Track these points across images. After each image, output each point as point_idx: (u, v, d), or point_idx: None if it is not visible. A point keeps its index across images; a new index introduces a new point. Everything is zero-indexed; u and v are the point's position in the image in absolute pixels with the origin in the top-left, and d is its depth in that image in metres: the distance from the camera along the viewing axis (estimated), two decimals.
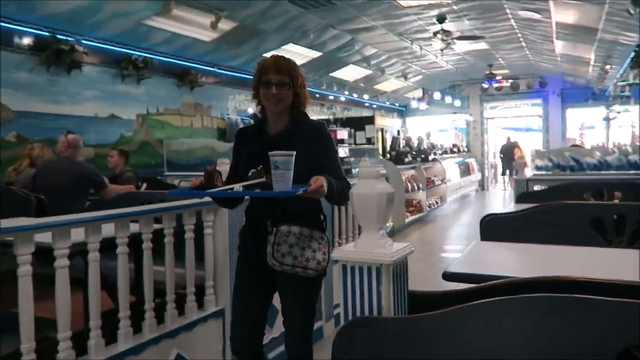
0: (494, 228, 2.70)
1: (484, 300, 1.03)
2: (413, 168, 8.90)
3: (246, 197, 2.01)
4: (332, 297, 3.49)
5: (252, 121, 7.89)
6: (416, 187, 8.58)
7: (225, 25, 6.44)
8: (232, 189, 1.68)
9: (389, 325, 1.05)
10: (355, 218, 3.80)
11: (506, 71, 12.48)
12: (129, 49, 6.43)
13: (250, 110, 8.66)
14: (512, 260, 2.09)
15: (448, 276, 1.82)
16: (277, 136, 1.92)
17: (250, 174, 1.72)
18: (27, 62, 5.39)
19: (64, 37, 5.57)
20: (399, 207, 7.55)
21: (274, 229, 1.83)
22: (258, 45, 7.64)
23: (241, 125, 7.66)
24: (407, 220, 7.97)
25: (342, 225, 3.81)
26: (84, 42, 5.78)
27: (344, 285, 1.18)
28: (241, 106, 8.70)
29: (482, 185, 14.21)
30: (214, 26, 5.91)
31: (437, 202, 9.60)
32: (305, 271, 1.80)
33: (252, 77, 2.00)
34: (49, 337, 1.99)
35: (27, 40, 5.36)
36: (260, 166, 1.70)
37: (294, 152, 1.60)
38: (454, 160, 12.01)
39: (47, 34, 5.44)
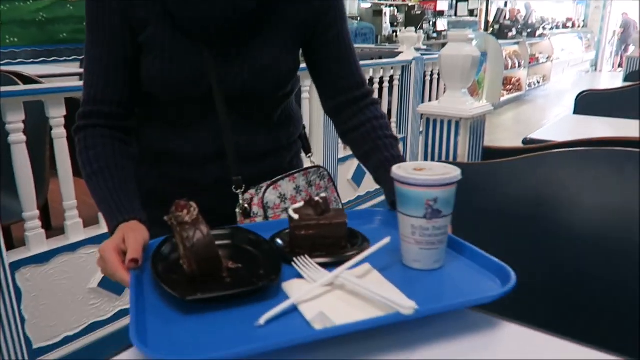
0: (589, 104, 2.64)
1: (557, 150, 1.15)
2: (517, 44, 8.34)
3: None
4: None
5: None
6: (517, 64, 8.11)
7: None
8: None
9: (464, 169, 1.22)
10: (441, 79, 3.90)
11: None
12: None
13: None
14: (599, 133, 2.11)
15: (528, 142, 1.92)
16: None
17: (294, 212, 0.74)
18: None
19: None
20: (495, 84, 7.29)
21: None
22: None
23: None
24: (502, 98, 7.71)
25: (432, 89, 3.93)
26: None
27: (426, 137, 1.37)
28: None
29: (594, 66, 12.98)
30: None
31: (539, 82, 9.07)
32: None
33: None
34: None
35: None
36: (325, 196, 0.78)
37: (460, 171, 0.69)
38: (566, 36, 10.96)
39: None
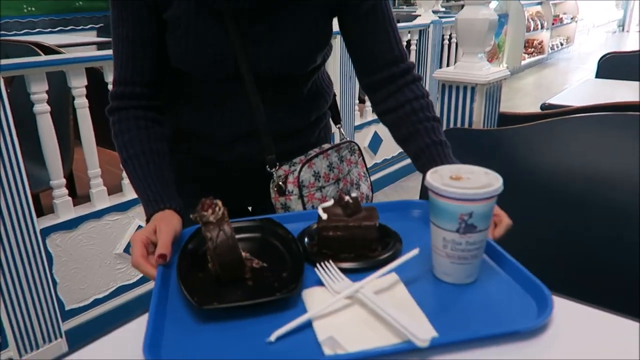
0: (613, 67, 2.58)
1: (575, 115, 1.15)
2: (540, 4, 8.06)
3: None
4: None
5: None
6: (540, 26, 7.87)
7: None
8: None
9: (479, 135, 1.23)
10: (458, 44, 3.94)
11: None
12: None
13: None
14: (621, 97, 2.08)
15: (546, 107, 1.90)
16: None
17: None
18: None
19: None
20: (516, 47, 7.10)
21: None
22: None
23: None
24: (523, 62, 7.52)
25: (451, 54, 3.91)
26: None
27: (442, 103, 1.37)
28: None
29: (621, 26, 12.49)
30: None
31: (562, 44, 8.80)
32: None
33: None
34: None
35: None
36: (356, 195, 0.73)
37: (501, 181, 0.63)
38: None
39: None
